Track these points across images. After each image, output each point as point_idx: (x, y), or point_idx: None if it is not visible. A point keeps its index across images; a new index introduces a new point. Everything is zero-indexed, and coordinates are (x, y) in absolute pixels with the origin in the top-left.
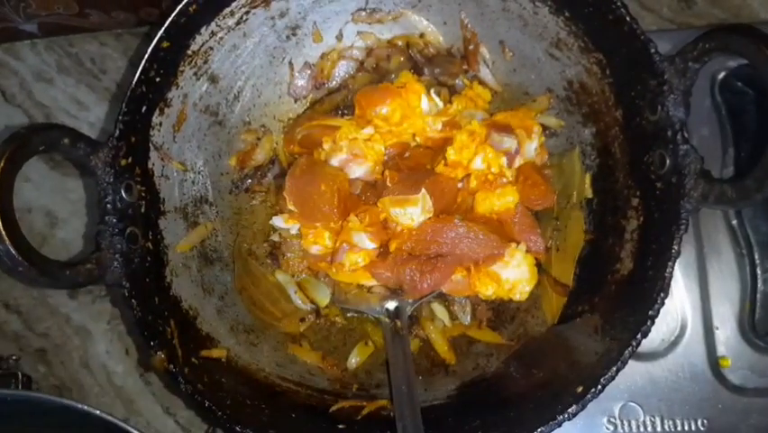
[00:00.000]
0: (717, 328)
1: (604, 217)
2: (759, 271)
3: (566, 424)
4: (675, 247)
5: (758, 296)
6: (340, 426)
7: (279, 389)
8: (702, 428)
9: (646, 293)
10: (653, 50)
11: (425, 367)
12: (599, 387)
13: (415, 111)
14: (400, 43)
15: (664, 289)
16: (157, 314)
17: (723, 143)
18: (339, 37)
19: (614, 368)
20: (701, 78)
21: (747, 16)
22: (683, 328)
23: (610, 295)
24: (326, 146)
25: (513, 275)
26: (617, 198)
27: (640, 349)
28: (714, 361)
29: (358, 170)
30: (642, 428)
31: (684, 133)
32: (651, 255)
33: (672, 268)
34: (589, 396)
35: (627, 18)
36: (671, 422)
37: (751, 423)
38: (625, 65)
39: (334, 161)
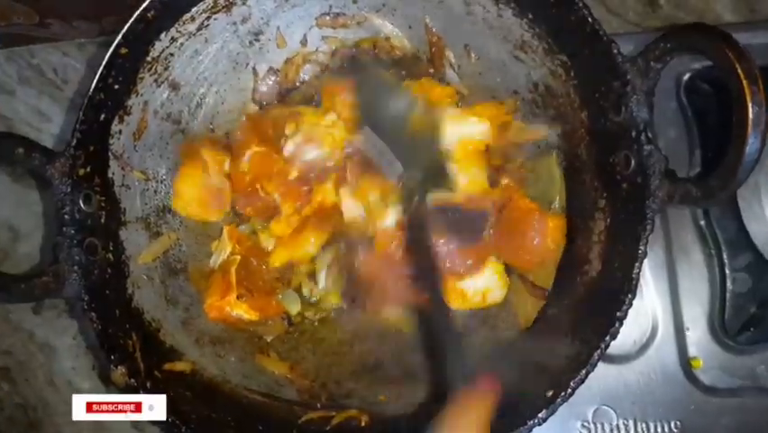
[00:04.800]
0: (688, 329)
1: (572, 219)
2: (728, 271)
3: (539, 429)
4: (642, 248)
5: (728, 296)
6: None
7: (246, 401)
8: (675, 430)
9: (614, 295)
10: (615, 51)
11: (396, 376)
12: (569, 391)
13: None
14: (366, 46)
15: (632, 290)
16: (118, 327)
17: (690, 145)
18: (303, 42)
19: (583, 371)
20: (667, 79)
21: (712, 19)
22: (654, 330)
23: (580, 297)
24: (288, 131)
25: (481, 284)
26: (585, 200)
27: (612, 352)
28: (686, 362)
29: (311, 153)
30: (615, 432)
31: (648, 134)
32: (618, 257)
33: (639, 269)
34: (558, 400)
35: (590, 19)
36: (644, 425)
37: (723, 423)
38: (588, 66)
39: (290, 146)
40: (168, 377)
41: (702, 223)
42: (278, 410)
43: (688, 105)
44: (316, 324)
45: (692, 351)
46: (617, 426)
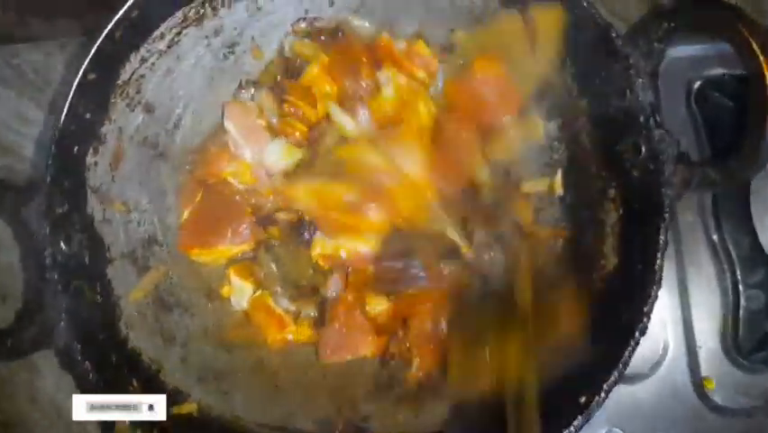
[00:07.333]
0: (700, 348)
1: (579, 212)
2: (741, 288)
3: None
4: (662, 237)
5: (741, 313)
6: None
7: None
8: None
9: (637, 289)
10: (613, 34)
11: (412, 392)
12: (603, 394)
13: None
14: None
15: (656, 281)
16: (116, 373)
17: (700, 153)
18: (280, 51)
19: (615, 372)
20: (677, 87)
21: None
22: (666, 348)
23: (599, 295)
24: None
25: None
26: (592, 191)
27: None
28: (698, 381)
29: None
30: None
31: (657, 117)
32: (636, 248)
33: (662, 259)
34: (593, 405)
35: (584, 3)
36: None
37: None
38: (587, 53)
39: None
40: (176, 421)
41: (715, 237)
42: None
43: (698, 113)
44: None
45: (704, 370)
46: None
